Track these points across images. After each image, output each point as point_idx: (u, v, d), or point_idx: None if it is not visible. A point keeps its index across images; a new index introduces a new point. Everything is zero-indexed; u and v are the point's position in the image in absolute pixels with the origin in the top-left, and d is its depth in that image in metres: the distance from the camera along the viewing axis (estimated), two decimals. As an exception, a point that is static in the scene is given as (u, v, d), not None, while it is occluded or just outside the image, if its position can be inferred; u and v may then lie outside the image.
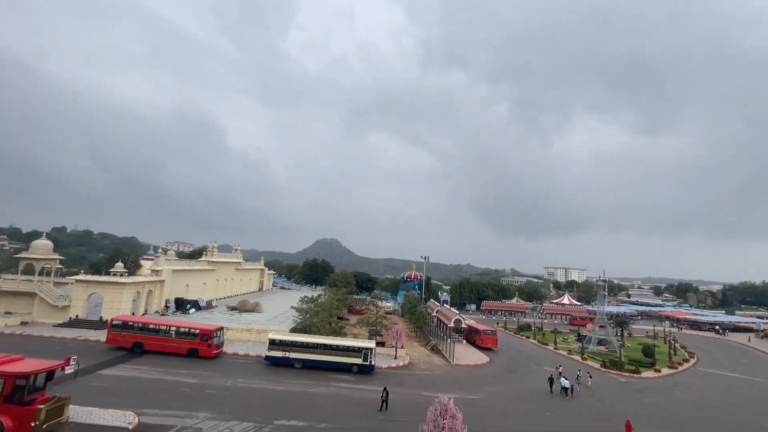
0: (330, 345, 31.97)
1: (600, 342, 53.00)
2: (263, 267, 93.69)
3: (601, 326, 54.74)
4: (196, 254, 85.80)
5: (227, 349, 34.37)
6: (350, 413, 22.14)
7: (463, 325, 47.60)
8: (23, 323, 39.39)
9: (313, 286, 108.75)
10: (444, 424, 12.34)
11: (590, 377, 33.99)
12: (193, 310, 49.69)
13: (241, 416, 19.93)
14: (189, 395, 22.68)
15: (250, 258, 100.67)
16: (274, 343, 31.48)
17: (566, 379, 30.43)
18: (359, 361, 31.35)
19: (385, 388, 23.56)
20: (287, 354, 31.20)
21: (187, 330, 32.35)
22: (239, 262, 76.16)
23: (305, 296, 48.53)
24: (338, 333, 39.89)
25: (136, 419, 18.34)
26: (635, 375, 38.32)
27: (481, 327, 51.51)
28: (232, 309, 54.70)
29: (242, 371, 28.98)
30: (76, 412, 18.09)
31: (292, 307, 49.23)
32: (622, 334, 62.49)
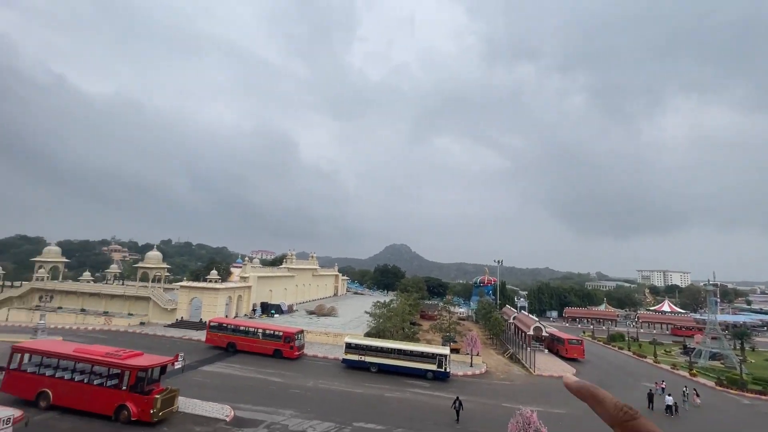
0: (404, 350, 32.10)
1: (713, 356, 45.86)
2: (337, 273, 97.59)
3: (713, 338, 47.37)
4: (277, 261, 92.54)
5: (307, 351, 36.34)
6: (426, 420, 21.97)
7: (544, 333, 44.55)
8: (141, 323, 45.80)
9: (385, 291, 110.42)
10: (527, 438, 11.69)
11: (697, 395, 29.52)
12: (277, 315, 53.47)
13: (322, 416, 20.90)
14: (275, 393, 24.39)
15: (325, 264, 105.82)
16: (350, 347, 32.54)
17: (670, 395, 26.85)
18: (434, 367, 31.00)
19: (457, 398, 22.79)
20: (363, 357, 32.01)
21: (272, 332, 34.90)
22: (315, 269, 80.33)
23: (378, 301, 49.46)
24: (411, 338, 39.93)
25: (232, 413, 20.22)
26: (763, 396, 32.45)
27: (565, 336, 47.78)
28: (311, 313, 57.77)
29: (322, 372, 30.39)
30: (183, 403, 20.49)
31: (366, 312, 50.49)
32: (742, 348, 53.39)
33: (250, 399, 22.62)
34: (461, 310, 76.99)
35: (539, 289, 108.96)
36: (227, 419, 19.63)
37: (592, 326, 77.36)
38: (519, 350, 43.47)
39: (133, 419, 18.21)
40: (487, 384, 31.46)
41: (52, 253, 53.91)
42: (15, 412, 13.72)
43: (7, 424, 13.12)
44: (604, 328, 75.03)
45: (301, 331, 36.18)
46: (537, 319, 47.08)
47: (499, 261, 76.42)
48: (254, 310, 52.60)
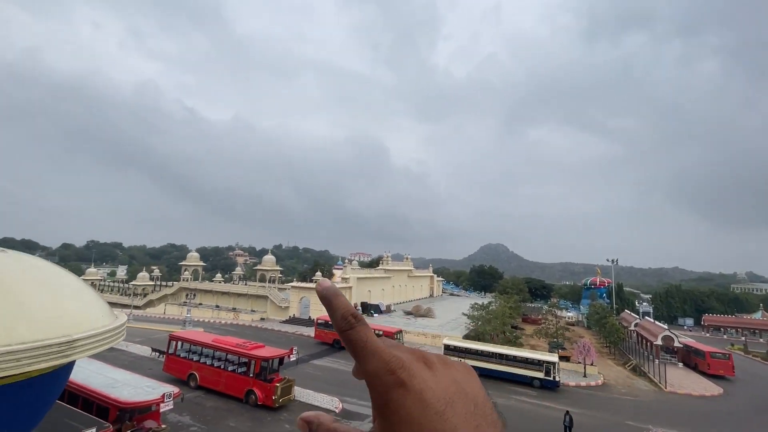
0: (507, 355, 30.64)
1: None
2: (432, 274, 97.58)
3: None
4: (373, 263, 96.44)
5: (406, 350, 37.06)
6: (534, 430, 20.63)
7: (677, 344, 38.30)
8: (262, 319, 51.95)
9: (482, 292, 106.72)
10: (661, 463, 10.21)
11: None
12: (376, 315, 55.74)
13: (424, 416, 21.12)
14: (378, 390, 25.42)
15: (419, 266, 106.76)
16: (448, 349, 32.26)
17: None
18: (541, 375, 28.95)
19: (567, 412, 20.66)
20: (462, 360, 31.42)
21: (373, 331, 36.43)
22: (410, 270, 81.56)
23: (475, 303, 48.11)
24: (513, 343, 37.90)
25: (341, 405, 21.69)
26: None
27: (706, 348, 40.28)
28: (408, 314, 58.81)
29: (421, 373, 30.72)
30: (298, 393, 22.64)
31: (464, 314, 49.49)
32: None
33: (356, 394, 23.96)
34: (569, 315, 70.40)
35: (667, 292, 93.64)
36: (336, 411, 21.13)
37: (744, 338, 63.59)
38: (644, 362, 38.03)
39: (259, 403, 20.80)
40: (606, 398, 28.20)
41: (193, 259, 64.56)
42: (174, 389, 16.78)
43: (169, 398, 16.10)
44: (761, 341, 61.30)
45: (400, 331, 37.08)
46: (666, 326, 40.67)
47: (613, 260, 68.14)
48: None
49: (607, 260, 69.54)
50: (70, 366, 1.15)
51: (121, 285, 70.69)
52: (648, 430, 11.15)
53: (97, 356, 23.50)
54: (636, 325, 45.88)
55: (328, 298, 0.55)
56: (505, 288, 78.60)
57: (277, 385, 20.94)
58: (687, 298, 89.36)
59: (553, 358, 29.82)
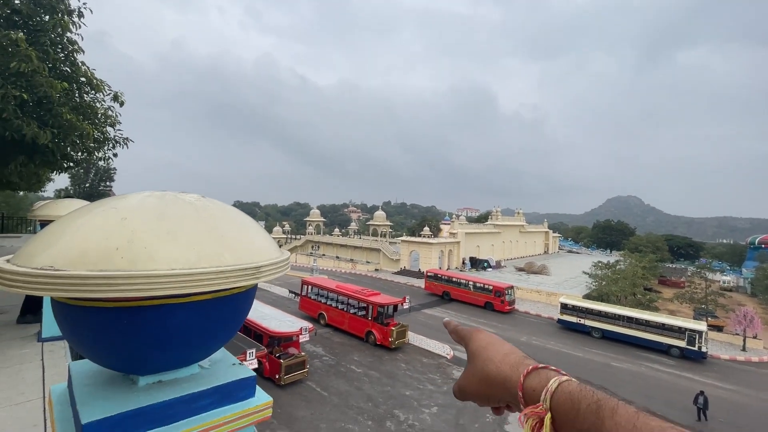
0: (639, 319, 27.49)
1: None
2: (547, 230, 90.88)
3: None
4: (481, 219, 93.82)
5: (518, 307, 36.19)
6: (671, 403, 18.56)
7: None
8: (376, 270, 56.14)
9: (608, 250, 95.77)
10: None
11: None
12: (490, 269, 55.14)
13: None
14: (489, 342, 25.68)
15: (532, 221, 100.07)
16: (566, 308, 30.40)
17: None
18: (682, 344, 25.39)
19: (702, 392, 17.44)
20: (583, 321, 29.40)
21: (482, 285, 36.36)
22: (522, 225, 77.27)
23: (599, 261, 43.61)
24: (646, 307, 33.67)
25: (452, 352, 22.66)
26: None
27: None
28: (519, 270, 56.63)
29: (535, 329, 29.83)
30: (412, 338, 24.31)
31: (585, 273, 45.50)
32: None
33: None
34: (726, 278, 58.83)
35: None
36: (448, 357, 22.20)
37: None
38: (838, 341, 30.09)
39: (378, 343, 23.07)
40: (773, 377, 23.50)
41: (315, 215, 72.05)
42: (309, 325, 19.68)
43: (305, 332, 18.98)
44: None
45: (511, 287, 36.14)
46: None
47: (799, 213, 53.27)
48: (464, 264, 55.80)
49: (790, 213, 54.65)
50: (255, 288, 1.43)
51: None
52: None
53: (250, 294, 28.82)
54: (829, 295, 36.11)
55: (459, 335, 0.96)
56: (637, 246, 69.01)
57: (393, 329, 22.82)
58: None
59: (701, 326, 25.72)
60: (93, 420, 1.08)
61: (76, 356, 4.96)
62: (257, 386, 1.46)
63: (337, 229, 74.75)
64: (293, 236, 77.54)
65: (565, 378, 0.63)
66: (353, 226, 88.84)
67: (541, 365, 0.68)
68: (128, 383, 1.29)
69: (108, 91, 7.86)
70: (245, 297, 1.35)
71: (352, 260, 59.61)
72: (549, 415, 0.58)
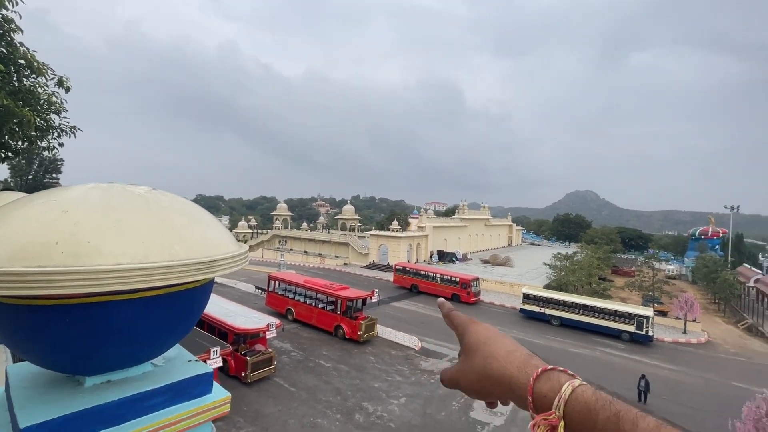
0: (593, 306, 29.19)
1: None
2: (511, 223, 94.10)
3: None
4: (449, 212, 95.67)
5: (483, 298, 37.36)
6: (623, 384, 19.92)
7: (812, 304, 32.67)
8: (345, 264, 55.96)
9: (566, 242, 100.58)
10: (775, 428, 9.29)
11: None
12: (461, 262, 56.39)
13: (501, 359, 21.60)
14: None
15: (497, 215, 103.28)
16: (528, 298, 31.72)
17: None
18: (632, 329, 27.23)
19: (643, 376, 18.38)
20: (543, 309, 30.81)
21: (449, 278, 37.19)
22: (488, 219, 79.52)
23: (559, 253, 45.77)
24: (600, 295, 35.79)
25: (420, 343, 23.08)
26: None
27: None
28: (485, 262, 58.37)
29: (499, 319, 30.94)
30: (381, 330, 24.50)
31: (545, 264, 47.62)
32: None
33: (433, 334, 25.21)
34: (670, 267, 63.53)
35: (806, 244, 78.48)
36: (416, 348, 22.60)
37: None
38: (763, 322, 33.41)
39: (346, 337, 23.09)
40: (709, 356, 25.77)
41: (282, 209, 70.60)
42: (276, 321, 19.37)
43: (272, 327, 18.67)
44: None
45: (477, 279, 37.20)
46: (799, 284, 34.70)
47: (733, 207, 58.44)
48: (432, 257, 56.79)
49: (725, 207, 59.88)
50: (211, 283, 1.40)
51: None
52: (762, 394, 10.06)
53: (214, 291, 27.86)
54: (757, 281, 39.91)
55: (454, 322, 0.93)
56: (593, 238, 72.98)
57: (362, 322, 22.89)
58: (834, 252, 73.99)
59: (647, 312, 27.69)
60: (32, 424, 1.02)
61: (17, 359, 4.63)
62: (215, 382, 1.43)
63: (305, 224, 73.75)
64: (259, 231, 75.68)
65: (577, 382, 0.59)
66: (322, 220, 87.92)
67: (549, 366, 0.64)
68: (73, 384, 1.23)
69: (51, 75, 7.28)
70: (201, 292, 1.31)
71: (320, 255, 59.06)
72: (562, 423, 0.55)
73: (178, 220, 1.21)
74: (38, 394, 1.17)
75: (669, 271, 60.90)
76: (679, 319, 31.14)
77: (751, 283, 40.45)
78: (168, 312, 1.22)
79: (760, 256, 75.44)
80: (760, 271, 46.34)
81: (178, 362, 1.43)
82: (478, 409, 16.11)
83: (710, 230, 73.82)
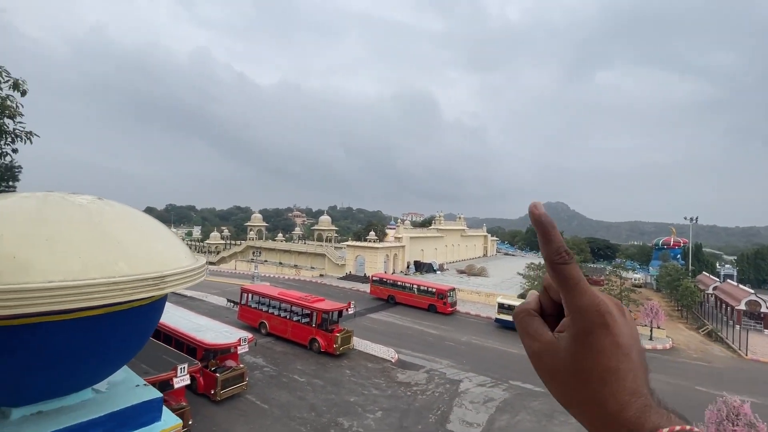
0: (564, 315, 29.89)
1: None
2: (486, 233, 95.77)
3: None
4: (426, 223, 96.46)
5: (459, 308, 37.59)
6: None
7: (765, 309, 34.72)
8: (321, 275, 55.16)
9: (539, 252, 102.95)
10: (734, 431, 9.67)
11: None
12: (439, 272, 56.61)
13: (477, 370, 21.66)
14: (432, 343, 26.33)
15: (473, 225, 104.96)
16: (502, 307, 32.14)
17: None
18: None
19: None
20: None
21: (426, 288, 37.26)
22: (464, 229, 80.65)
23: (532, 263, 46.83)
24: (572, 303, 36.79)
25: (396, 355, 22.86)
26: None
27: (799, 315, 36.16)
28: (461, 272, 58.95)
29: (475, 329, 31.15)
30: (357, 343, 24.13)
31: (519, 274, 48.60)
32: None
33: (410, 346, 25.07)
34: (636, 276, 66.16)
35: (756, 253, 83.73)
36: (392, 360, 22.36)
37: None
38: (722, 327, 35.17)
39: (322, 350, 22.59)
40: (673, 362, 26.80)
41: (257, 220, 69.15)
42: (248, 335, 18.73)
43: (244, 342, 18.03)
44: None
45: (453, 289, 37.45)
46: (752, 291, 36.82)
47: (692, 218, 61.73)
48: (408, 268, 56.85)
49: (685, 218, 63.16)
50: (163, 300, 1.30)
51: (198, 244, 78.38)
52: (722, 398, 10.50)
53: (183, 305, 26.71)
54: (715, 288, 42.11)
55: (545, 227, 0.59)
56: (564, 248, 75.07)
57: (338, 335, 22.49)
58: (781, 261, 79.34)
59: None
60: (-60, 466, 0.89)
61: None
62: (165, 408, 1.32)
63: (280, 234, 72.34)
64: (233, 242, 73.72)
65: None
66: (298, 230, 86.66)
67: (677, 427, 0.50)
68: (-2, 417, 1.10)
69: (6, 78, 6.89)
70: (150, 310, 1.21)
71: (296, 266, 58.00)
72: None
73: (124, 233, 1.12)
74: (-47, 430, 1.04)
75: (635, 280, 63.33)
76: (646, 326, 32.30)
77: (710, 291, 42.61)
78: (111, 333, 1.11)
79: (717, 264, 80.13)
80: (718, 279, 48.95)
81: (124, 388, 1.31)
82: (455, 421, 16.04)
83: (672, 240, 77.82)
